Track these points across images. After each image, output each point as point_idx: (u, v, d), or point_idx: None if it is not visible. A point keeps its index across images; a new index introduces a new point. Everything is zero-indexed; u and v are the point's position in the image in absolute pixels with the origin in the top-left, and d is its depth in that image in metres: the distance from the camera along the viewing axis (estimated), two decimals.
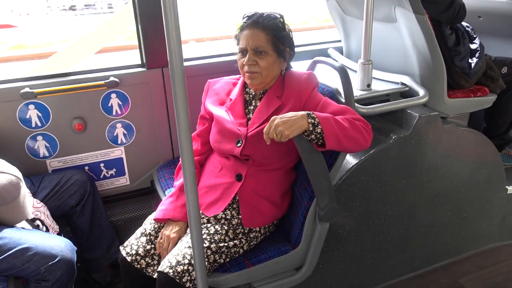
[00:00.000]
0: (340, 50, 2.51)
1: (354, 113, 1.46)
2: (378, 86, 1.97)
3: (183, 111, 1.03)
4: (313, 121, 1.33)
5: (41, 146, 1.99)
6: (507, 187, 2.18)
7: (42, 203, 1.80)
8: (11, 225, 1.61)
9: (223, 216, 1.54)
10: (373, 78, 1.96)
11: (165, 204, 1.62)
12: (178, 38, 0.96)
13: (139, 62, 2.09)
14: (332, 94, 1.63)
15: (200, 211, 1.56)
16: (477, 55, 2.05)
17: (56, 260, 1.52)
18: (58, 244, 1.57)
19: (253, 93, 1.63)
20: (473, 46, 2.07)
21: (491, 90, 2.11)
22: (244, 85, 1.64)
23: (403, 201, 1.92)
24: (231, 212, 1.54)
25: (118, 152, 2.14)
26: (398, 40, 1.98)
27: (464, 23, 2.10)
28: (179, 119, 1.04)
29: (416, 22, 1.81)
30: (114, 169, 2.16)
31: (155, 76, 2.06)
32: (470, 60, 2.04)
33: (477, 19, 2.45)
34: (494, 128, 2.35)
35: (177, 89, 1.00)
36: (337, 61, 2.35)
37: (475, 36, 2.11)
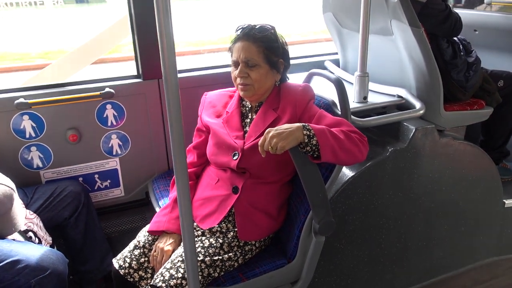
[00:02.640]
0: (336, 63, 2.52)
1: (350, 125, 1.45)
2: (375, 99, 1.97)
3: (177, 122, 1.02)
4: (308, 132, 1.32)
5: (35, 157, 1.97)
6: (504, 200, 2.17)
7: (35, 215, 1.77)
8: (3, 237, 1.58)
9: (218, 229, 1.52)
10: (370, 90, 1.96)
11: (160, 216, 1.60)
12: (171, 49, 0.96)
13: (135, 73, 2.09)
14: (328, 106, 1.63)
15: (195, 223, 1.54)
16: (473, 68, 2.05)
17: (47, 273, 1.49)
18: (49, 257, 1.54)
19: (250, 106, 1.62)
20: (469, 59, 2.08)
21: (487, 103, 2.12)
22: (241, 97, 1.64)
23: (400, 214, 1.91)
24: (226, 225, 1.52)
25: (113, 163, 2.12)
26: (394, 53, 1.99)
27: (460, 37, 2.11)
28: (172, 130, 1.03)
29: (412, 35, 1.81)
30: (109, 181, 2.14)
31: (151, 87, 2.06)
32: (466, 73, 2.04)
33: (473, 32, 2.47)
34: (491, 141, 2.35)
35: (171, 101, 0.99)
36: (333, 73, 2.36)
37: (471, 49, 2.12)
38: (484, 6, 2.62)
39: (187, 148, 1.63)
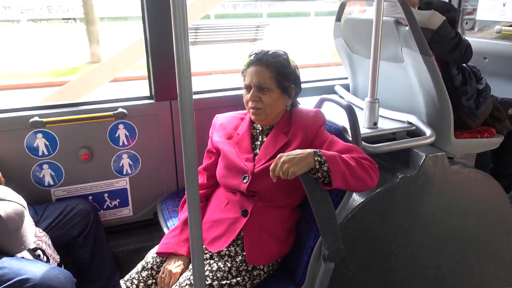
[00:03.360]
0: (346, 87, 2.54)
1: (361, 151, 1.46)
2: (385, 125, 1.97)
3: (191, 144, 1.02)
4: (319, 159, 1.33)
5: (47, 175, 1.99)
6: None
7: (44, 232, 1.78)
8: (12, 255, 1.59)
9: (227, 252, 1.51)
10: (380, 116, 1.97)
11: (169, 237, 1.60)
12: (188, 71, 0.97)
13: (148, 94, 2.13)
14: (339, 132, 1.63)
15: (204, 246, 1.54)
16: (483, 95, 2.06)
17: None
18: (57, 276, 1.54)
19: (260, 129, 1.64)
20: (479, 87, 2.09)
21: (498, 131, 2.11)
22: (252, 120, 1.65)
23: (410, 241, 1.89)
24: (235, 248, 1.52)
25: (122, 183, 2.13)
26: (404, 80, 2.00)
27: (470, 64, 2.13)
28: (186, 152, 1.03)
29: (423, 62, 1.83)
30: (118, 200, 2.15)
31: (163, 108, 2.08)
32: (476, 100, 2.05)
33: (483, 60, 2.49)
34: (502, 169, 2.34)
35: (186, 122, 1.01)
36: (343, 98, 2.38)
37: (481, 76, 2.14)
38: (494, 34, 2.64)
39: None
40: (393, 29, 1.88)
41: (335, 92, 2.50)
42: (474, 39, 2.53)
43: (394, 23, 1.87)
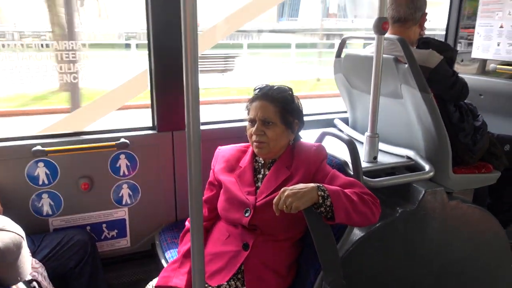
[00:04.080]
0: (345, 121, 2.57)
1: (363, 186, 1.47)
2: (384, 159, 1.99)
3: (197, 175, 1.03)
4: (323, 193, 1.34)
5: (45, 204, 1.98)
6: None
7: (40, 264, 1.75)
8: (7, 286, 1.56)
9: (227, 286, 1.49)
10: (379, 150, 1.99)
11: (168, 271, 1.58)
12: (196, 102, 0.99)
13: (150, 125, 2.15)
14: (340, 166, 1.65)
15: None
16: (480, 132, 2.10)
17: None
18: None
19: (262, 162, 1.65)
20: (476, 123, 2.13)
21: (495, 167, 2.14)
22: (254, 153, 1.67)
23: (409, 276, 1.88)
24: (235, 282, 1.50)
25: (121, 213, 2.12)
26: (403, 115, 2.04)
27: (467, 101, 2.17)
28: (191, 183, 1.04)
29: (421, 99, 1.87)
30: (116, 230, 2.13)
31: (165, 139, 2.10)
32: (474, 137, 2.08)
33: (479, 97, 2.54)
34: (499, 205, 2.35)
35: (192, 153, 1.02)
36: (343, 131, 2.41)
37: (478, 113, 2.18)
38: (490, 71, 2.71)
39: None
40: (393, 66, 1.93)
41: (334, 126, 2.53)
42: (470, 77, 2.60)
43: (394, 60, 1.92)
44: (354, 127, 2.48)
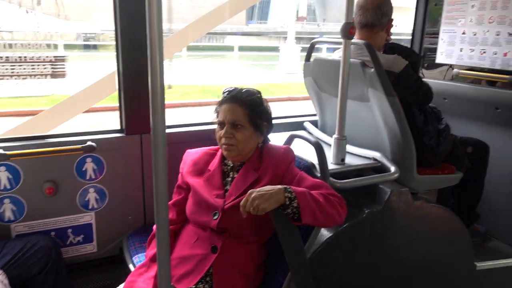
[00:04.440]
0: (315, 124, 2.61)
1: (329, 188, 1.50)
2: (352, 161, 2.03)
3: (162, 179, 1.02)
4: (290, 195, 1.35)
5: (7, 210, 1.91)
6: (475, 263, 2.21)
7: (1, 271, 1.69)
8: None
9: None
10: (347, 152, 2.03)
11: (135, 275, 1.56)
12: (162, 105, 0.98)
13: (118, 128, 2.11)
14: (308, 169, 1.67)
15: (171, 284, 1.50)
16: (444, 134, 2.17)
17: None
18: None
19: (231, 165, 1.65)
20: (440, 126, 2.19)
21: (457, 168, 2.21)
22: (223, 156, 1.67)
23: (376, 275, 1.91)
24: (203, 285, 1.49)
25: (88, 218, 2.07)
26: (370, 118, 2.08)
27: (431, 105, 2.24)
28: (157, 187, 1.03)
29: (387, 103, 1.92)
30: (82, 235, 2.08)
31: (133, 142, 2.07)
32: (437, 140, 2.15)
33: (443, 101, 2.63)
34: (462, 205, 2.43)
35: (158, 156, 1.01)
36: (312, 134, 2.44)
37: (442, 117, 2.25)
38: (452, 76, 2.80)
39: None
40: (360, 70, 1.97)
41: (304, 129, 2.56)
42: (434, 81, 2.69)
43: (361, 65, 1.96)
44: (323, 130, 2.51)
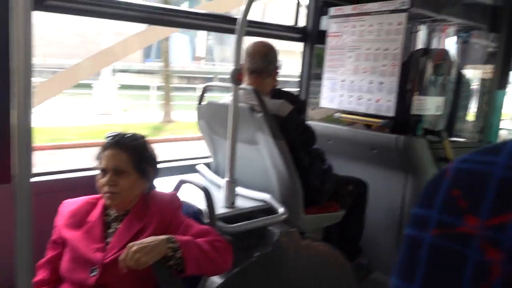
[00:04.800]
0: (210, 166, 2.61)
1: (216, 234, 1.49)
2: (243, 203, 2.06)
3: (26, 236, 0.93)
4: (173, 245, 1.31)
5: None
6: None
7: None
8: None
9: None
10: (239, 195, 2.06)
11: None
12: (29, 149, 0.90)
13: None
14: (196, 215, 1.65)
15: None
16: (327, 174, 2.32)
17: None
18: None
19: (115, 215, 1.56)
20: (324, 167, 2.34)
21: (341, 206, 2.37)
22: (105, 206, 1.57)
23: None
24: None
25: None
26: (260, 161, 2.15)
27: (316, 146, 2.39)
28: (21, 246, 0.93)
29: (275, 146, 2.00)
30: None
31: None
32: (322, 179, 2.29)
33: (327, 142, 2.82)
34: (346, 241, 2.59)
35: (21, 209, 0.91)
36: (206, 177, 2.44)
37: (325, 158, 2.41)
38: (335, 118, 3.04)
39: (37, 264, 1.48)
40: (249, 115, 2.04)
41: (197, 171, 2.55)
42: (319, 124, 2.89)
43: (249, 109, 2.04)
44: (217, 172, 2.53)
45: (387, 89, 2.49)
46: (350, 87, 2.74)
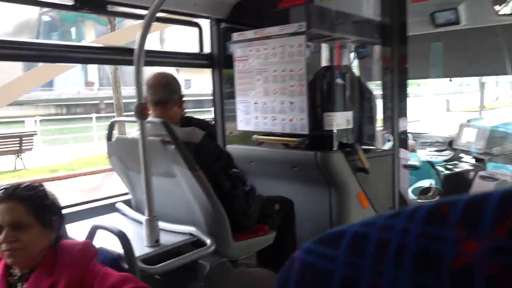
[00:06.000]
0: (130, 203, 2.46)
1: (137, 281, 1.37)
2: (169, 239, 1.95)
3: None
4: None
5: None
6: None
7: None
8: None
9: None
10: (163, 230, 1.95)
11: None
12: None
13: None
14: (115, 262, 1.52)
15: None
16: (251, 195, 2.29)
17: None
18: None
19: (19, 274, 1.38)
20: (246, 188, 2.32)
21: (270, 227, 2.35)
22: (7, 266, 1.39)
23: None
24: None
25: None
26: (180, 193, 2.07)
27: (235, 170, 2.36)
28: None
29: (192, 177, 1.94)
30: None
31: None
32: (247, 202, 2.26)
33: (250, 164, 2.81)
34: (280, 261, 2.56)
35: None
36: (127, 215, 2.29)
37: (246, 179, 2.39)
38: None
39: None
40: (161, 147, 1.96)
41: (117, 210, 2.39)
42: (239, 147, 2.88)
43: (161, 142, 1.96)
44: (138, 209, 2.39)
45: (298, 108, 2.55)
46: (263, 109, 2.77)
